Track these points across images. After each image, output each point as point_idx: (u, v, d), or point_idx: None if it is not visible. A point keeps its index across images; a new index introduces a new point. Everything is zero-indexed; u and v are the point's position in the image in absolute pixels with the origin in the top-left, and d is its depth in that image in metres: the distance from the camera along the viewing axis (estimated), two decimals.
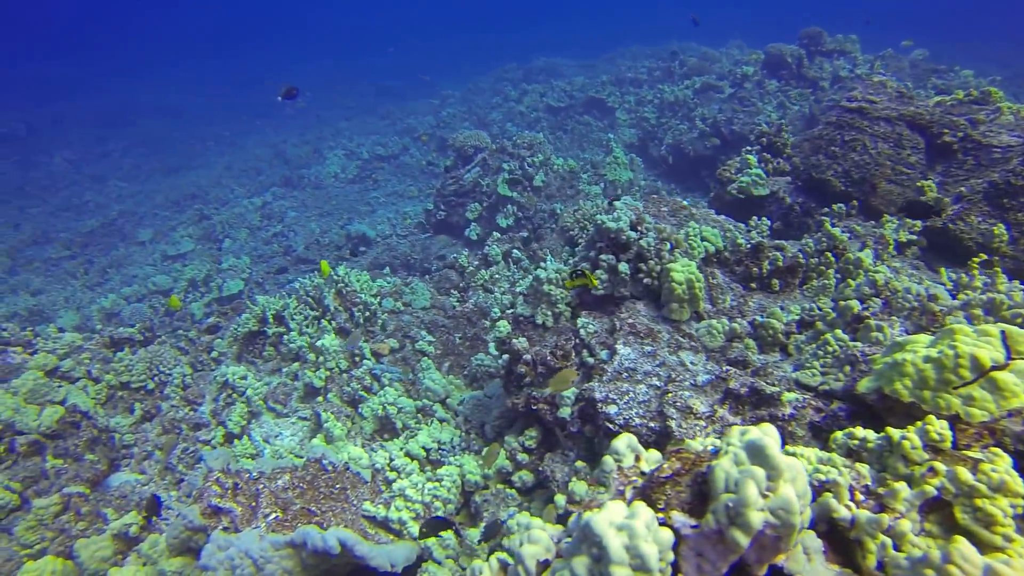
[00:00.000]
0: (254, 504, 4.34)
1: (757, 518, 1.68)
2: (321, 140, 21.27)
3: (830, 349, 3.57)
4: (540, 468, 4.37)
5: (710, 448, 2.10)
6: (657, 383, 4.08)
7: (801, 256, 4.68)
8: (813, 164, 6.84)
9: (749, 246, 4.85)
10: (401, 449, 5.31)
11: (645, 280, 4.72)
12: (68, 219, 19.11)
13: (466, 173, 11.82)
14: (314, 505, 4.42)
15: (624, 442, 2.31)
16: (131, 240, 17.50)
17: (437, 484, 4.60)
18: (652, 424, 3.80)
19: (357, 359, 6.44)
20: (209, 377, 6.99)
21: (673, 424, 3.65)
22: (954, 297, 4.03)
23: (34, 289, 13.63)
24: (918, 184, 5.69)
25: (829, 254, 4.67)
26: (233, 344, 7.29)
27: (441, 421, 5.59)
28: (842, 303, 3.79)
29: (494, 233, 9.63)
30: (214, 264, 13.51)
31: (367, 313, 6.92)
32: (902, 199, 5.97)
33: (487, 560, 2.40)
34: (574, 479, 4.03)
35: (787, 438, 3.27)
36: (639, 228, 4.84)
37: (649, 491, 2.01)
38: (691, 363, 4.28)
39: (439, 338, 6.78)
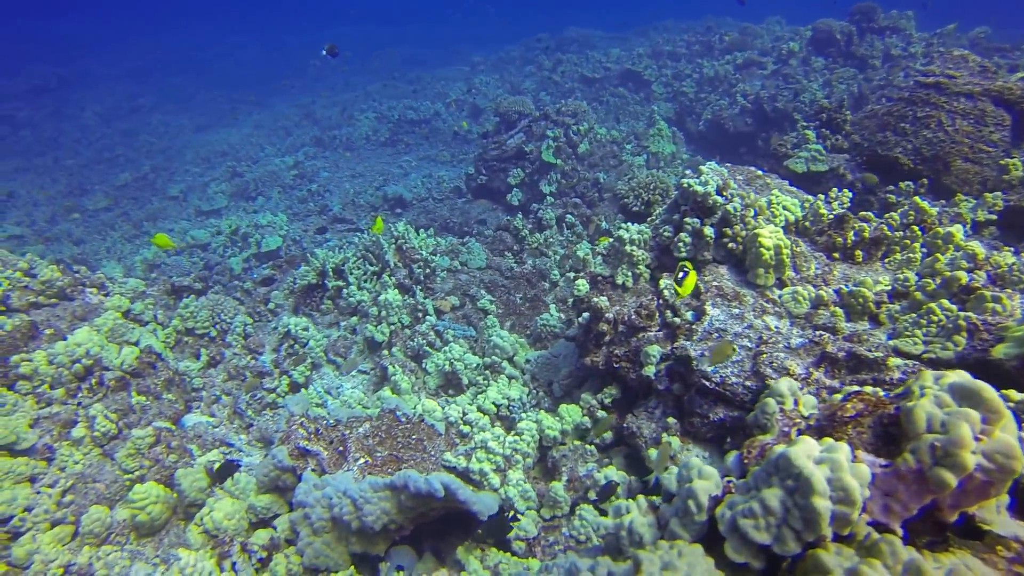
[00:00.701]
0: (342, 448, 4.40)
1: (971, 460, 1.69)
2: (351, 103, 21.09)
3: (935, 318, 3.55)
4: (624, 425, 4.39)
5: (882, 393, 2.10)
6: (748, 344, 4.08)
7: (886, 228, 4.63)
8: (879, 141, 6.74)
9: (833, 216, 4.80)
10: (471, 404, 5.35)
11: (729, 245, 4.69)
12: (101, 172, 19.10)
13: (509, 139, 11.71)
14: (397, 453, 4.48)
15: (786, 385, 2.31)
16: (163, 195, 17.53)
17: (517, 438, 4.65)
18: (748, 383, 3.81)
19: (420, 315, 6.46)
20: (268, 327, 7.05)
21: (772, 379, 3.65)
22: None
23: (76, 238, 13.70)
24: (1001, 162, 5.59)
25: (916, 228, 4.62)
26: (290, 296, 7.33)
27: (510, 378, 5.62)
28: (948, 274, 3.76)
29: (547, 198, 9.57)
30: (251, 220, 13.52)
31: (427, 270, 6.93)
32: (979, 178, 5.89)
33: (634, 501, 2.43)
34: (664, 435, 4.06)
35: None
36: (724, 193, 4.80)
37: (830, 431, 2.01)
38: (776, 327, 4.27)
39: (499, 298, 6.79)
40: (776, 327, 4.27)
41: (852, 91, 11.43)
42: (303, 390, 6.05)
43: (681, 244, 4.82)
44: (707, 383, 3.91)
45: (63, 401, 5.21)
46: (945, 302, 3.57)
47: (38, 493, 4.43)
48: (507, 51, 22.98)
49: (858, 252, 4.65)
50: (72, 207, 15.74)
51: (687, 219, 4.79)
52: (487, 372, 5.73)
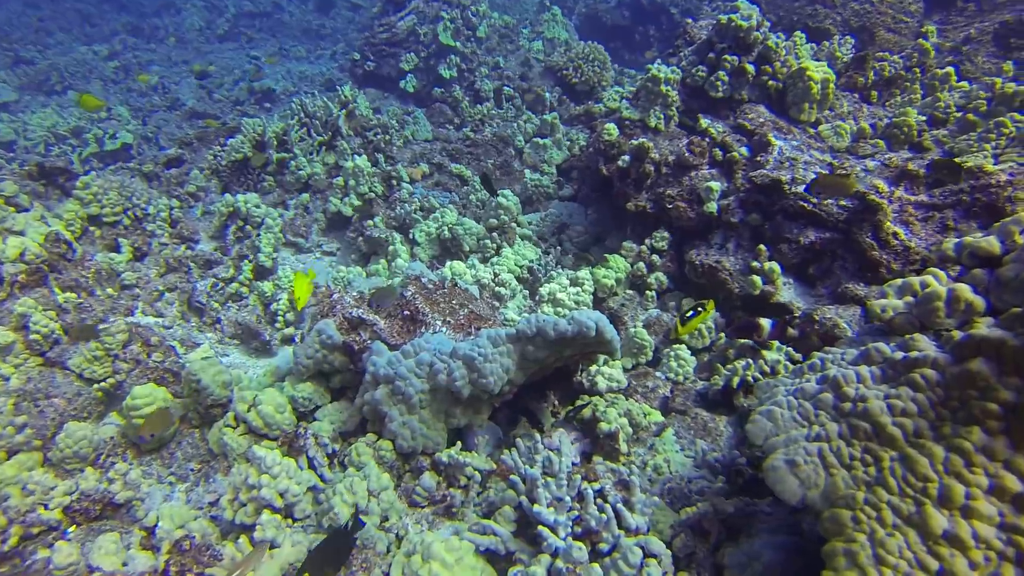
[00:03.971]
0: (409, 312, 3.47)
1: None
2: None
3: (1006, 131, 3.59)
4: (698, 263, 4.00)
5: None
6: (821, 170, 3.87)
7: (900, 68, 4.64)
8: (809, 14, 6.81)
9: (850, 58, 4.70)
10: (498, 266, 4.61)
11: (769, 82, 4.38)
12: None
13: (400, 20, 10.21)
14: (477, 311, 3.68)
15: None
16: None
17: (579, 289, 4.06)
18: (842, 202, 3.61)
19: (395, 183, 5.40)
20: (194, 212, 5.47)
21: (873, 195, 3.49)
22: None
23: None
24: (923, 30, 5.90)
25: (917, 69, 4.68)
26: (213, 177, 5.73)
27: (523, 239, 4.93)
28: (1000, 92, 3.81)
29: (482, 68, 8.53)
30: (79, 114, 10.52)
31: (385, 136, 5.79)
32: (898, 47, 6.20)
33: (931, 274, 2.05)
34: (754, 263, 3.76)
35: (1008, 204, 3.22)
36: (760, 31, 4.44)
37: None
38: (832, 158, 4.10)
39: (469, 164, 5.92)
40: (832, 158, 4.10)
41: None
42: (276, 276, 4.80)
43: (718, 83, 4.41)
44: (805, 204, 3.65)
45: None
46: (1016, 115, 3.62)
47: None
48: None
49: (873, 92, 4.62)
50: None
51: (726, 56, 4.36)
52: (493, 235, 4.95)
